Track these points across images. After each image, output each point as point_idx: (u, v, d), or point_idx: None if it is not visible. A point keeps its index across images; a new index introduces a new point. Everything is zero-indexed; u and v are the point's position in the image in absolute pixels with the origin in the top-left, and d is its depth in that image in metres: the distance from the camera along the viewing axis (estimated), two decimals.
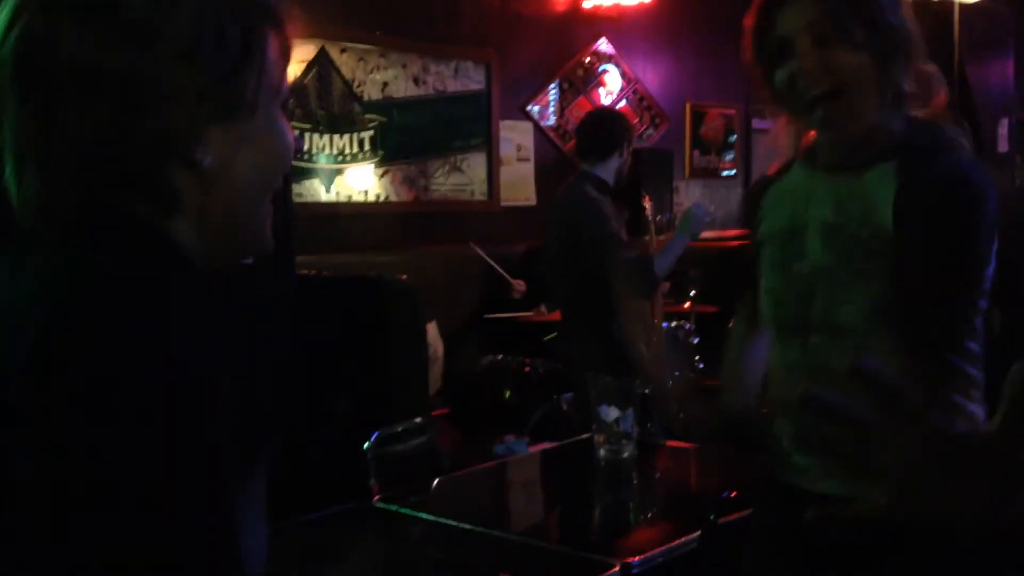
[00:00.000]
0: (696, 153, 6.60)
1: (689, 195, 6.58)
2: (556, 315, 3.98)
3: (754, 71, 1.57)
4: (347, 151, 4.64)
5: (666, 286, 4.10)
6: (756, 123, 7.12)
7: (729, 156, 6.86)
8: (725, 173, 6.87)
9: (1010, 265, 1.57)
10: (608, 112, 4.07)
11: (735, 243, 5.45)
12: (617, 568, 1.88)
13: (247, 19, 0.82)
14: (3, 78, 0.76)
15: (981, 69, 6.79)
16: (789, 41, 1.48)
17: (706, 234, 5.88)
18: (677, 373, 3.96)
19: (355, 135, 4.67)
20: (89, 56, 0.75)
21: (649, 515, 2.48)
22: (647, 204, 4.14)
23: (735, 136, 6.86)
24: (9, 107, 0.77)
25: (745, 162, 7.01)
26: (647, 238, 4.19)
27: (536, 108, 5.52)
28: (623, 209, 3.62)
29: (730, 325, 1.79)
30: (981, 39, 6.51)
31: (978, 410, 1.49)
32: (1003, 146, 6.77)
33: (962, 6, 5.82)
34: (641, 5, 5.83)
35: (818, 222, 1.50)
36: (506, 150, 5.34)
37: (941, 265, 1.41)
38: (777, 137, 1.65)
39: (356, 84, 4.67)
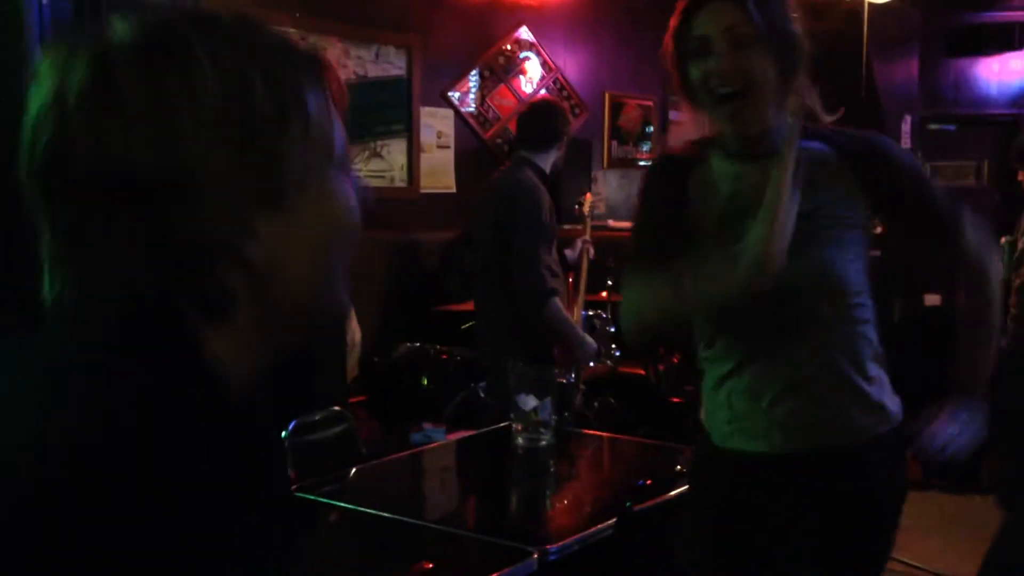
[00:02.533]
0: (614, 143, 6.67)
1: (607, 184, 6.65)
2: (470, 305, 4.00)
3: (671, 66, 1.71)
4: None
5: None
6: (673, 115, 7.23)
7: (646, 147, 6.95)
8: (642, 163, 6.96)
9: (910, 258, 1.78)
10: (553, 103, 4.09)
11: None
12: (535, 556, 1.91)
13: (281, 82, 0.71)
14: (34, 188, 0.69)
15: (887, 68, 7.00)
16: (707, 41, 1.62)
17: (623, 223, 5.97)
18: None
19: None
20: (108, 156, 0.66)
21: (566, 503, 2.51)
22: (587, 199, 4.19)
23: (652, 127, 6.95)
24: (43, 217, 0.69)
25: (662, 152, 7.11)
26: (580, 228, 4.25)
27: (457, 95, 5.51)
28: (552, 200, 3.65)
29: (628, 289, 1.82)
30: (888, 38, 6.71)
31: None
32: (905, 143, 7.00)
33: (871, 6, 5.99)
34: None
35: (758, 204, 1.61)
36: (427, 137, 5.32)
37: (937, 194, 1.77)
38: (686, 129, 1.77)
39: None
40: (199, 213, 0.67)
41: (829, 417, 1.68)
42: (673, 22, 1.69)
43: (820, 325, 1.66)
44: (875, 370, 1.71)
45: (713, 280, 1.60)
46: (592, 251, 4.14)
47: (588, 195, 4.29)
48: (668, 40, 1.70)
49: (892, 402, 1.73)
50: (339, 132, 0.77)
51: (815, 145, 1.68)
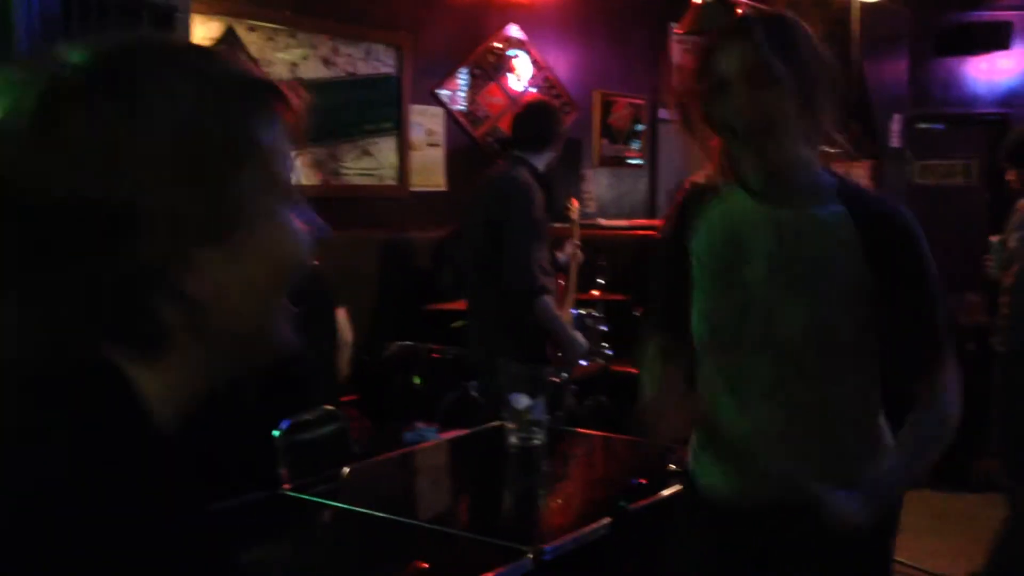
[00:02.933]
0: (605, 142, 6.67)
1: (597, 183, 6.65)
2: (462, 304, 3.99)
3: (691, 104, 1.71)
4: None
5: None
6: (663, 113, 7.23)
7: (636, 145, 6.95)
8: (632, 162, 6.96)
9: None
10: (547, 104, 4.10)
11: (640, 232, 5.53)
12: (529, 555, 1.90)
13: (233, 115, 0.70)
14: None
15: (877, 66, 7.01)
16: (726, 82, 1.63)
17: (613, 222, 5.97)
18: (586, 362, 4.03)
19: None
20: (48, 189, 0.65)
21: (560, 502, 2.51)
22: (575, 205, 4.20)
23: (642, 126, 6.95)
24: None
25: (652, 151, 7.11)
26: (569, 227, 4.25)
27: (447, 93, 5.50)
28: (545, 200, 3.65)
29: (644, 350, 1.87)
30: (878, 37, 6.72)
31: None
32: (895, 142, 7.02)
33: (862, 5, 6.01)
34: None
35: (764, 250, 1.66)
36: (416, 135, 5.30)
37: (930, 297, 1.68)
38: (710, 156, 1.77)
39: (264, 64, 4.57)
40: (140, 246, 0.65)
41: (818, 472, 1.65)
42: (691, 62, 1.71)
43: (813, 379, 1.66)
44: (871, 424, 1.73)
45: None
46: (581, 256, 4.15)
47: (575, 201, 4.30)
48: (688, 79, 1.71)
49: (887, 438, 1.74)
50: (291, 165, 0.75)
51: (835, 209, 1.66)
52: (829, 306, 1.64)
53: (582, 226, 4.35)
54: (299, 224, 0.75)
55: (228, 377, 0.76)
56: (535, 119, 3.71)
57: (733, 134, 1.64)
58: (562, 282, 4.05)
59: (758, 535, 1.72)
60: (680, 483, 1.89)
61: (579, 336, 3.74)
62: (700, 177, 1.85)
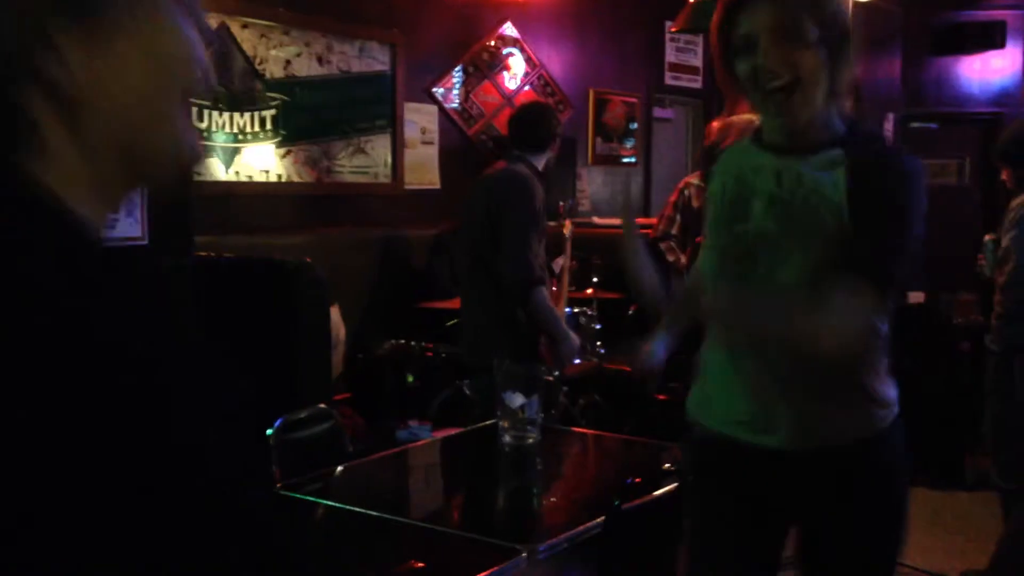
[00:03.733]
0: (599, 140, 6.67)
1: (591, 181, 6.65)
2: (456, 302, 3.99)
3: (718, 63, 1.74)
4: (248, 129, 4.54)
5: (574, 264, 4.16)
6: (657, 112, 7.24)
7: (630, 143, 6.95)
8: (626, 160, 6.96)
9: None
10: (544, 106, 4.10)
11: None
12: (524, 554, 1.90)
13: None
14: None
15: (869, 66, 7.02)
16: (753, 38, 1.64)
17: (607, 220, 5.97)
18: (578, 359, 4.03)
19: (256, 113, 4.56)
20: None
21: (554, 501, 2.50)
22: (567, 226, 4.22)
23: (637, 124, 6.96)
24: None
25: (646, 150, 7.11)
26: (560, 224, 4.27)
27: (441, 91, 5.49)
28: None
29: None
30: (871, 37, 6.73)
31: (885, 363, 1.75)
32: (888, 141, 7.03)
33: (854, 4, 6.01)
34: None
35: (765, 192, 1.69)
36: (410, 133, 5.29)
37: (893, 226, 1.63)
38: (740, 114, 1.85)
39: (258, 61, 4.56)
40: None
41: (838, 415, 1.70)
42: (716, 19, 1.72)
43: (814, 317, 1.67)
44: (881, 363, 1.75)
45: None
46: (574, 264, 4.24)
47: (568, 222, 4.33)
48: (713, 37, 1.73)
49: (892, 392, 1.77)
50: None
51: (835, 152, 1.68)
52: (823, 248, 1.63)
53: (576, 224, 4.36)
54: (189, 25, 0.71)
55: (136, 186, 0.74)
56: (532, 122, 3.71)
57: (758, 90, 1.65)
58: (555, 288, 4.06)
59: (779, 480, 1.74)
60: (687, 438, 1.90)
61: (572, 333, 3.74)
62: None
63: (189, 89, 0.72)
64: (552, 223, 3.89)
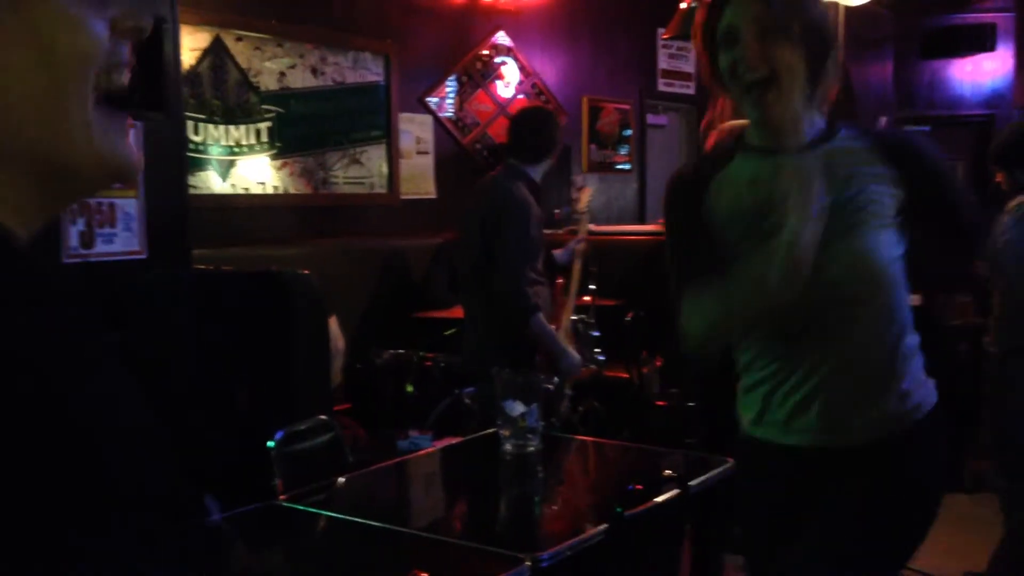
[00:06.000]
0: (593, 147, 6.68)
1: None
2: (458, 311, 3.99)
3: (700, 57, 1.75)
4: (243, 142, 4.54)
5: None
6: (651, 118, 7.25)
7: (624, 150, 6.96)
8: (620, 167, 6.97)
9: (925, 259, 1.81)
10: (544, 112, 3.96)
11: (630, 237, 5.54)
12: (527, 563, 1.90)
13: None
14: None
15: (862, 69, 7.05)
16: (735, 31, 1.66)
17: (604, 228, 5.98)
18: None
19: (251, 126, 4.57)
20: None
21: (556, 509, 2.50)
22: (584, 194, 4.14)
23: (630, 131, 6.97)
24: None
25: (640, 156, 7.13)
26: (569, 230, 4.25)
27: (435, 100, 5.50)
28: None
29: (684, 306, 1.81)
30: (863, 41, 6.76)
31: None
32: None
33: (846, 9, 6.03)
34: None
35: (786, 197, 1.63)
36: (405, 143, 5.30)
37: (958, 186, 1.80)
38: (720, 114, 1.81)
39: (252, 74, 4.57)
40: None
41: (872, 410, 1.71)
42: (700, 15, 1.73)
43: (862, 316, 1.69)
44: (914, 358, 1.75)
45: (754, 284, 1.62)
46: (587, 248, 4.09)
47: (586, 190, 4.22)
48: (696, 32, 1.74)
49: (928, 387, 1.78)
50: None
51: (847, 135, 1.72)
52: (868, 231, 1.65)
53: (572, 232, 4.34)
54: (94, 19, 0.63)
55: (63, 198, 0.67)
56: (532, 130, 3.62)
57: (739, 86, 1.66)
58: (560, 280, 4.04)
59: (815, 477, 1.74)
60: (736, 444, 1.89)
61: (571, 350, 3.73)
62: (709, 143, 1.92)
63: (101, 88, 0.64)
64: (548, 231, 3.89)
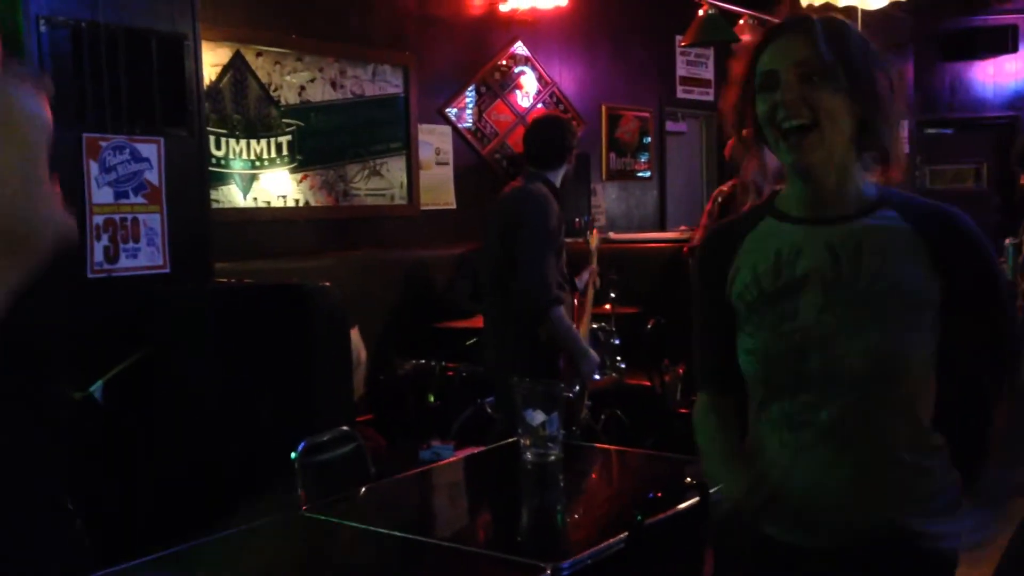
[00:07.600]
0: (612, 155, 6.69)
1: (606, 196, 6.66)
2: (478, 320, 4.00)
3: (737, 107, 1.63)
4: (264, 156, 4.58)
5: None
6: (670, 125, 7.26)
7: (644, 158, 6.96)
8: (640, 175, 6.97)
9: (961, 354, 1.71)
10: (559, 119, 4.04)
11: (651, 245, 5.54)
12: (548, 571, 1.90)
13: None
14: None
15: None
16: (775, 75, 1.56)
17: (624, 236, 5.98)
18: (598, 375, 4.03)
19: (272, 139, 4.61)
20: None
21: (577, 517, 2.50)
22: (594, 236, 4.29)
23: (649, 138, 6.97)
24: None
25: (660, 164, 7.13)
26: (582, 242, 4.31)
27: (454, 111, 5.53)
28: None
29: (695, 406, 1.77)
30: (882, 44, 6.72)
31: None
32: (903, 148, 7.02)
33: (864, 12, 6.01)
34: (557, 9, 5.89)
35: (818, 275, 1.55)
36: (425, 154, 5.33)
37: (1003, 297, 1.65)
38: (745, 172, 1.71)
39: (272, 88, 4.61)
40: None
41: (882, 511, 1.57)
42: (741, 62, 1.62)
43: (878, 412, 1.55)
44: (930, 458, 1.60)
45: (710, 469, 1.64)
46: (598, 282, 4.25)
47: (595, 231, 4.37)
48: (734, 81, 1.63)
49: (947, 491, 1.62)
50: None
51: (889, 215, 1.58)
52: (898, 326, 1.52)
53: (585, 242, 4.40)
54: (42, 107, 0.69)
55: (13, 270, 0.69)
56: (548, 137, 3.70)
57: (774, 127, 1.55)
58: (576, 302, 4.06)
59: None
60: (733, 530, 1.80)
61: (591, 351, 3.74)
62: (724, 221, 1.81)
63: (46, 162, 0.69)
64: (570, 239, 3.91)
